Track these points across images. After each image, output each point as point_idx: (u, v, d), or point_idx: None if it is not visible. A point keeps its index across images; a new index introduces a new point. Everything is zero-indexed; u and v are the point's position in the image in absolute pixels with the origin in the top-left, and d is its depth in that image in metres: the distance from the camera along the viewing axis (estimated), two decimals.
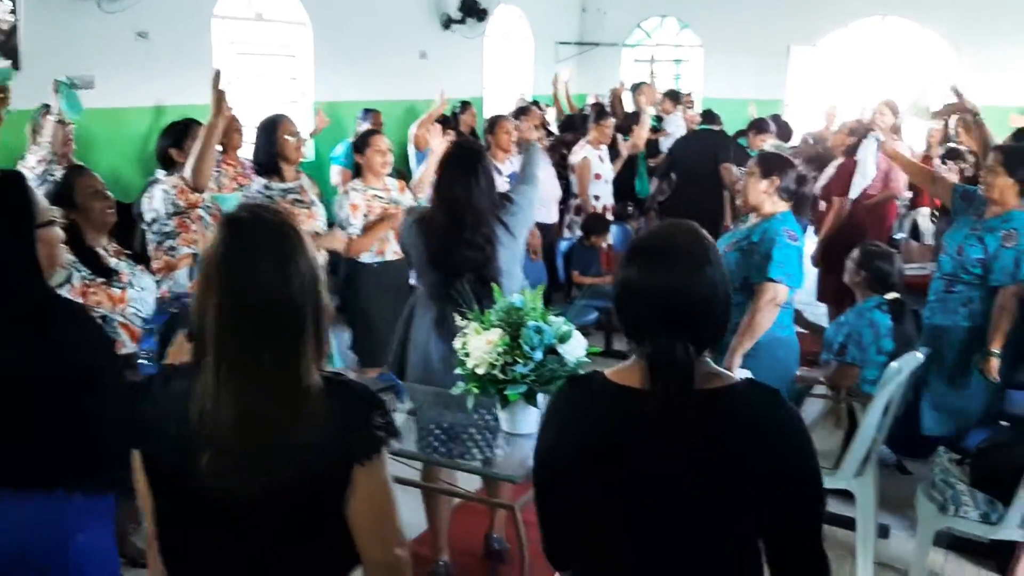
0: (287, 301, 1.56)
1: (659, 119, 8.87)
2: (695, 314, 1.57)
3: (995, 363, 3.92)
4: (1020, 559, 3.39)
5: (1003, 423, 4.12)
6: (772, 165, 3.73)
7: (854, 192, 5.99)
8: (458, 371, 2.82)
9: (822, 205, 6.23)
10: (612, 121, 7.17)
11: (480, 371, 2.71)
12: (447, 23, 10.20)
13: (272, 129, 4.29)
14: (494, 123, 6.07)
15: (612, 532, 1.62)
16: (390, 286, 4.67)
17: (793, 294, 3.68)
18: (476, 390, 2.78)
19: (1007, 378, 4.31)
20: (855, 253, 4.09)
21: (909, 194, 7.74)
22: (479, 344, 2.70)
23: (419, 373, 3.51)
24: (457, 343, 2.82)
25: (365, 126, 7.06)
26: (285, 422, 1.54)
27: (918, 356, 3.63)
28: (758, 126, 7.50)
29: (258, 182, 4.32)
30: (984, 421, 4.09)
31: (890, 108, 6.62)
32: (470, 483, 3.61)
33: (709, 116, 8.41)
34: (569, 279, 6.74)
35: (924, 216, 7.72)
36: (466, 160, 3.44)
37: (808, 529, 1.61)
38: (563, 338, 2.72)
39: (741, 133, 7.89)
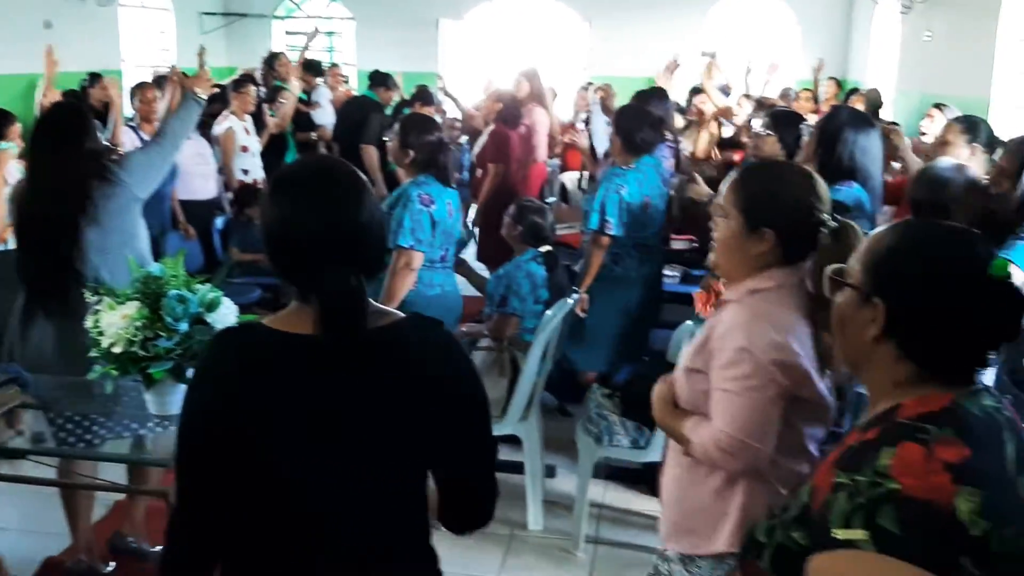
0: None
1: (307, 93, 8.67)
2: (359, 241, 1.49)
3: (584, 300, 4.28)
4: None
5: (645, 358, 4.50)
6: (406, 133, 3.74)
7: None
8: (93, 352, 2.52)
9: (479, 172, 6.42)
10: (253, 89, 6.87)
11: (117, 350, 2.44)
12: None
13: None
14: (134, 92, 5.70)
15: (280, 496, 1.47)
16: (8, 278, 4.16)
17: (442, 253, 3.72)
18: (115, 372, 2.49)
19: (650, 319, 4.71)
20: (511, 209, 4.29)
21: (555, 161, 8.22)
22: (113, 320, 2.42)
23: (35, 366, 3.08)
24: (88, 321, 2.51)
25: None
26: None
27: (568, 302, 3.85)
28: (422, 97, 7.55)
29: None
30: (629, 357, 4.45)
31: (526, 78, 6.93)
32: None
33: (381, 79, 8.29)
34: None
35: (571, 180, 8.22)
36: (60, 124, 3.11)
37: (483, 453, 1.61)
38: (211, 306, 2.51)
39: (407, 103, 7.90)
